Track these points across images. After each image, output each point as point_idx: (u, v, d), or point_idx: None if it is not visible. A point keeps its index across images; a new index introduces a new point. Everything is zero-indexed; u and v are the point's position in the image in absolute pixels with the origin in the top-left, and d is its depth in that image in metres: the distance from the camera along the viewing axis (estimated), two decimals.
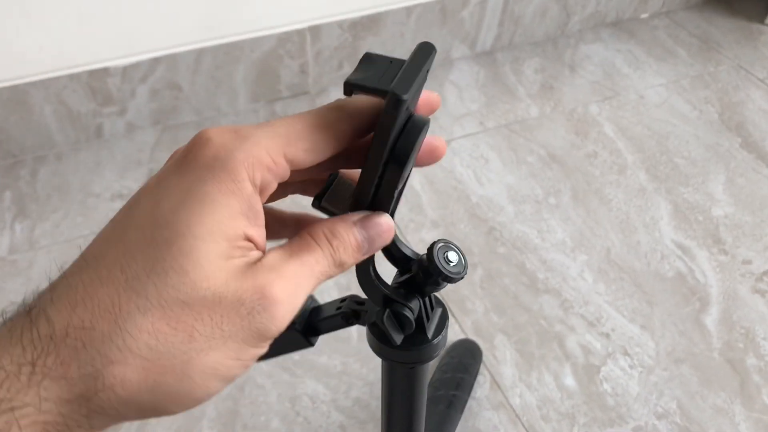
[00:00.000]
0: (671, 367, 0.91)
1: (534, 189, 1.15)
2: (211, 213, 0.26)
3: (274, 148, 0.28)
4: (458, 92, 1.35)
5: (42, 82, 1.12)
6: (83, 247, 0.28)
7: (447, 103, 1.32)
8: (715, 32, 1.53)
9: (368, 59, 0.34)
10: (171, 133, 1.24)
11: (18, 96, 1.12)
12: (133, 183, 1.15)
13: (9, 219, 1.09)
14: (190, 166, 0.27)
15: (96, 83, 1.16)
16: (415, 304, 0.41)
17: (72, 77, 1.13)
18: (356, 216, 0.33)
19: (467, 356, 0.87)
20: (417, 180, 1.15)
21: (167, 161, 0.30)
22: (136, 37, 1.15)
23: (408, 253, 0.42)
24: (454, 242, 0.41)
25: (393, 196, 0.36)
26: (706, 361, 0.91)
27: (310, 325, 0.46)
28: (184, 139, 1.21)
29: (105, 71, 1.15)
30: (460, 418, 0.81)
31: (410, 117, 0.35)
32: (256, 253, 0.28)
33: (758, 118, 1.29)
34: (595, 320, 0.96)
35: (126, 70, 1.16)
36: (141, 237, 0.26)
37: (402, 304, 0.41)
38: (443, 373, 0.83)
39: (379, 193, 0.36)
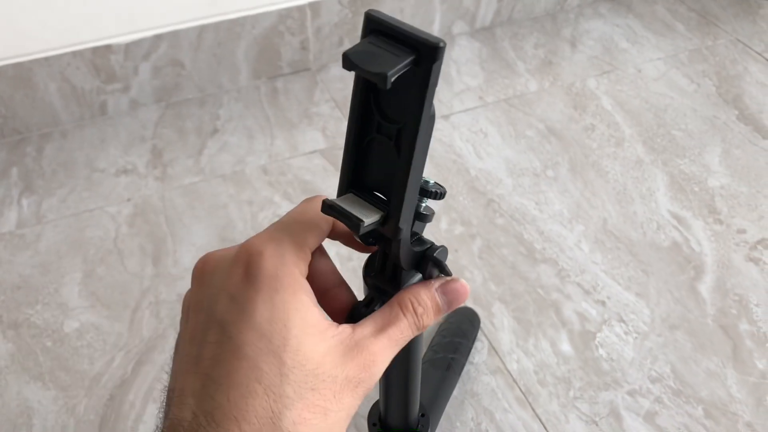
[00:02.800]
0: (666, 333, 0.93)
1: (532, 162, 1.16)
2: (296, 314, 0.33)
3: (299, 244, 0.36)
4: (458, 68, 1.36)
5: (46, 59, 1.14)
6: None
7: (447, 78, 1.33)
8: (713, 6, 1.54)
9: (372, 21, 0.34)
10: (174, 110, 1.26)
11: (22, 73, 1.14)
12: (137, 159, 1.17)
13: (16, 195, 1.11)
14: (258, 281, 0.33)
15: (99, 60, 1.17)
16: (428, 242, 0.43)
17: (75, 54, 1.15)
18: (437, 283, 0.40)
19: (465, 322, 0.89)
20: None
21: (212, 272, 0.36)
22: (139, 14, 1.16)
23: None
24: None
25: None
26: (699, 327, 0.93)
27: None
28: (187, 115, 1.24)
29: (108, 48, 1.17)
30: (457, 380, 0.84)
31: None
32: (343, 328, 0.35)
33: (755, 90, 1.31)
34: (591, 288, 0.98)
35: (129, 47, 1.18)
36: (257, 350, 0.32)
37: (430, 246, 0.42)
38: (442, 337, 0.85)
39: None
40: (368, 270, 0.44)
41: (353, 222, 0.36)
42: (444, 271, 0.43)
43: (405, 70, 0.32)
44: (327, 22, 1.29)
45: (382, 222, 0.37)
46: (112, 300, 0.96)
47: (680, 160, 1.17)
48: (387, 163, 0.37)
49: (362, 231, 0.36)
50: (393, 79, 0.32)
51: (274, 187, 1.12)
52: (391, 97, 0.35)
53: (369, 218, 0.37)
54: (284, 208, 1.08)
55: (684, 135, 1.21)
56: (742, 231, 1.06)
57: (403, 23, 0.33)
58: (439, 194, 0.41)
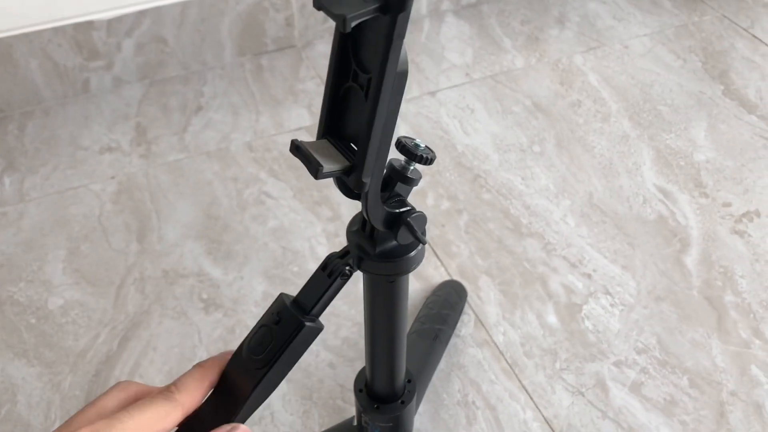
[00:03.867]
0: (651, 304, 0.93)
1: (519, 138, 1.16)
2: None
3: None
4: (444, 44, 1.35)
5: (26, 35, 1.12)
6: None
7: (434, 56, 1.32)
8: None
9: None
10: (158, 87, 1.25)
11: (2, 50, 1.12)
12: (121, 136, 1.16)
13: None
14: None
15: (81, 37, 1.16)
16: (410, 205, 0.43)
17: (56, 30, 1.13)
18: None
19: (453, 295, 0.89)
20: (403, 130, 1.16)
21: None
22: None
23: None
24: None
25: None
26: (685, 299, 0.94)
27: (311, 314, 0.44)
28: (171, 93, 1.23)
29: (90, 24, 1.15)
30: (444, 350, 0.84)
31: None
32: None
33: (741, 66, 1.31)
34: (577, 261, 0.98)
35: (111, 24, 1.16)
36: None
37: (408, 209, 0.42)
38: (429, 309, 0.85)
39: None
40: (351, 225, 0.44)
41: (312, 166, 0.36)
42: (417, 237, 0.42)
43: (369, 16, 0.32)
44: None
45: (347, 172, 0.37)
46: (97, 277, 0.96)
47: (666, 134, 1.17)
48: (360, 114, 0.37)
49: (320, 176, 0.36)
50: (353, 24, 0.31)
51: (259, 164, 1.11)
52: (366, 46, 0.35)
53: (330, 165, 0.36)
54: (270, 184, 1.08)
55: (670, 110, 1.22)
56: (727, 204, 1.06)
57: None
58: (426, 159, 0.41)
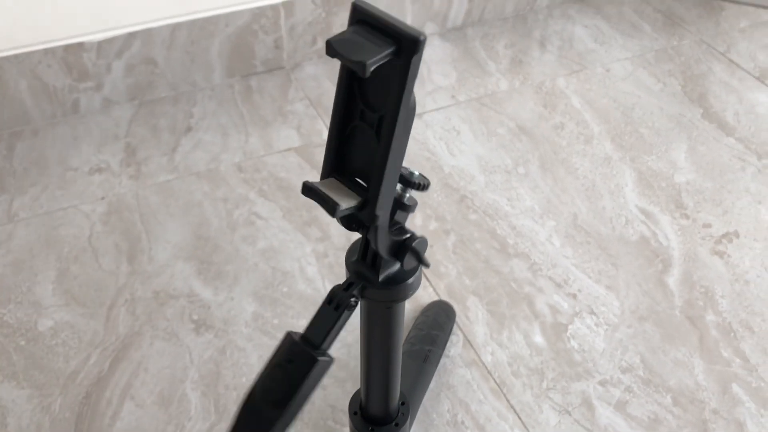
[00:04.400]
0: (635, 324, 0.95)
1: (504, 159, 1.18)
2: None
3: None
4: (430, 67, 1.38)
5: (16, 56, 1.13)
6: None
7: (420, 78, 1.34)
8: (678, 8, 1.58)
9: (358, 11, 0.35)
10: (147, 108, 1.26)
11: None
12: (111, 157, 1.16)
13: None
14: None
15: (71, 58, 1.17)
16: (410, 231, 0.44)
17: (47, 52, 1.14)
18: None
19: (441, 315, 0.90)
20: None
21: None
22: (112, 12, 1.16)
23: None
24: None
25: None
26: (667, 319, 0.96)
27: (318, 349, 0.45)
28: (160, 113, 1.24)
29: (80, 46, 1.16)
30: (434, 371, 0.85)
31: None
32: None
33: (719, 89, 1.34)
34: (562, 282, 1.00)
35: (101, 45, 1.17)
36: None
37: (411, 236, 0.43)
38: (419, 330, 0.86)
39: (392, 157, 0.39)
40: (350, 255, 0.46)
41: (329, 205, 0.37)
42: (422, 261, 0.44)
43: (385, 60, 0.33)
44: (301, 21, 1.30)
45: (360, 207, 0.39)
46: (87, 298, 0.96)
47: (647, 156, 1.20)
48: (368, 151, 0.38)
49: (338, 215, 0.37)
50: (372, 69, 0.33)
51: (249, 185, 1.12)
52: (374, 86, 0.37)
53: (346, 203, 0.38)
54: (259, 205, 1.09)
55: (651, 132, 1.25)
56: (707, 225, 1.09)
57: (388, 15, 0.34)
58: (422, 185, 0.42)
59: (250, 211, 1.08)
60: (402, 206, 0.44)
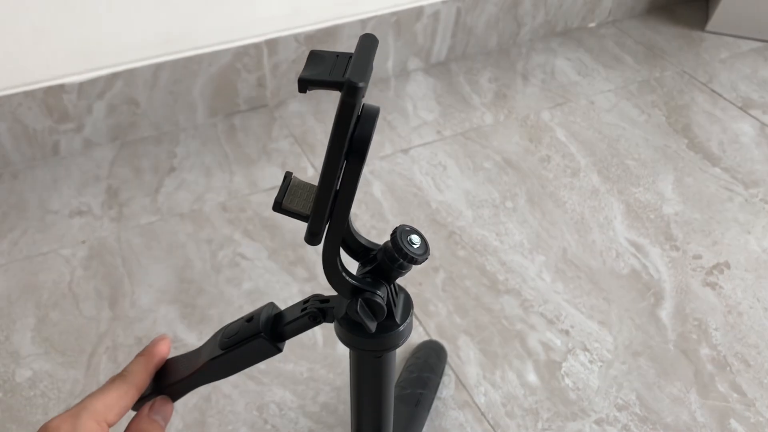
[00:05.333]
0: (629, 360, 0.94)
1: (491, 194, 1.17)
2: None
3: (100, 417, 0.43)
4: (415, 103, 1.37)
5: None
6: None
7: (405, 114, 1.34)
8: (659, 39, 1.59)
9: (315, 56, 0.36)
10: (130, 148, 1.24)
11: None
12: (92, 199, 1.14)
13: None
14: None
15: (52, 100, 1.15)
16: (383, 291, 0.43)
17: (27, 94, 1.13)
18: (147, 407, 0.48)
19: (432, 356, 0.88)
20: (378, 188, 1.17)
21: None
22: (93, 53, 1.15)
23: (366, 243, 0.44)
24: (414, 226, 0.43)
25: (355, 190, 0.38)
26: (662, 353, 0.95)
27: (275, 331, 0.47)
28: (143, 154, 1.22)
29: (61, 88, 1.15)
30: (427, 416, 0.83)
31: (362, 107, 0.37)
32: None
33: (702, 120, 1.35)
34: (554, 318, 0.98)
35: (83, 86, 1.16)
36: None
37: (372, 291, 0.42)
38: (410, 372, 0.84)
39: (343, 188, 0.38)
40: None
41: (275, 198, 0.40)
42: (362, 321, 0.43)
43: (326, 87, 0.34)
44: (284, 59, 1.30)
45: (305, 218, 0.40)
46: (67, 346, 0.93)
47: (635, 188, 1.19)
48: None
49: (274, 208, 0.40)
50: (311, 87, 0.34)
51: (234, 225, 1.10)
52: None
53: (294, 205, 0.40)
54: (244, 245, 1.07)
55: (637, 164, 1.24)
56: (698, 257, 1.08)
57: (341, 54, 0.35)
58: (412, 259, 0.42)
59: (234, 251, 1.06)
60: (385, 263, 0.42)
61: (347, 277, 0.42)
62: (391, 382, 0.50)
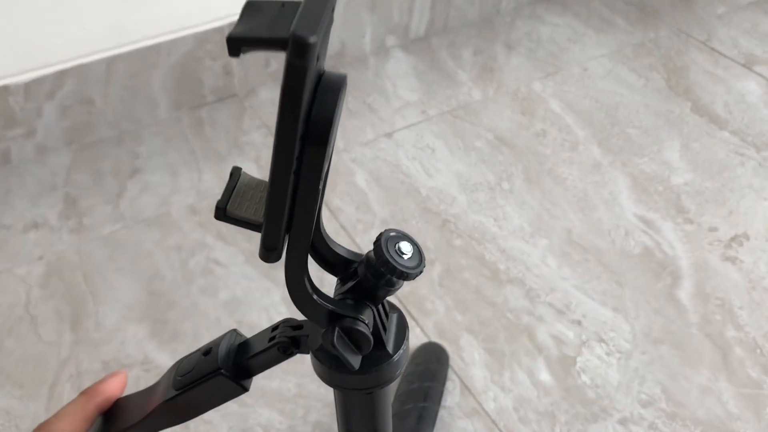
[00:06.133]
0: (650, 349, 0.85)
1: (485, 175, 1.08)
2: None
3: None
4: (395, 82, 1.27)
5: None
6: None
7: (385, 94, 1.24)
8: None
9: (252, 7, 0.26)
10: (88, 151, 1.13)
11: None
12: (48, 210, 1.04)
13: None
14: None
15: None
16: (367, 314, 0.33)
17: None
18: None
19: (433, 362, 0.79)
20: (361, 177, 1.07)
21: None
22: (38, 49, 1.04)
23: (343, 253, 0.34)
24: (404, 231, 0.34)
25: (318, 186, 0.28)
26: (685, 339, 0.86)
27: (238, 366, 0.38)
28: (102, 156, 1.11)
29: (5, 90, 1.04)
30: (432, 430, 0.74)
31: (321, 75, 0.27)
32: None
33: (705, 80, 1.25)
34: (564, 307, 0.89)
35: (29, 87, 1.05)
36: None
37: (353, 317, 0.33)
38: (409, 383, 0.75)
39: (300, 186, 0.28)
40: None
41: (217, 202, 0.33)
42: (339, 354, 0.34)
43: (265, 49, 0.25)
44: None
45: (258, 227, 0.32)
46: (25, 377, 0.83)
47: (639, 159, 1.10)
48: None
49: (217, 215, 0.32)
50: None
51: (205, 228, 1.00)
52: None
53: (240, 212, 0.32)
54: (218, 250, 0.97)
55: (640, 132, 1.15)
56: (713, 229, 0.99)
57: (287, 3, 0.25)
58: (400, 273, 0.32)
59: (207, 257, 0.96)
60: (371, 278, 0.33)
61: (320, 300, 0.33)
62: (386, 417, 0.41)
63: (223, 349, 0.39)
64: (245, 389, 0.39)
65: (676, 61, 1.30)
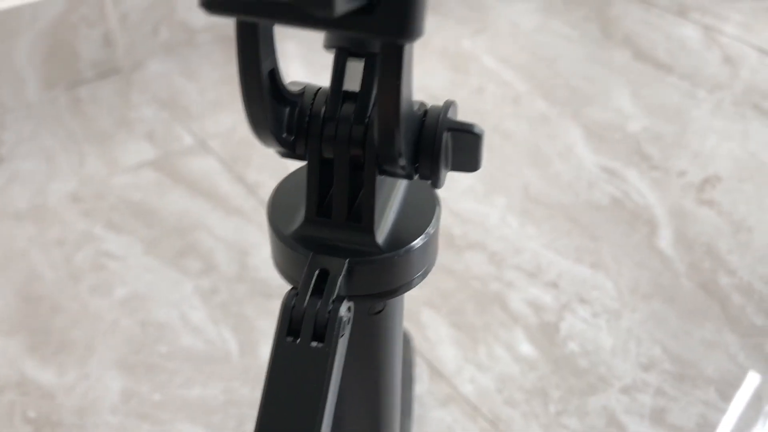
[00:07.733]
0: (640, 306, 0.73)
1: None
2: None
3: None
4: (300, 58, 1.12)
5: None
6: None
7: (285, 71, 1.09)
8: None
9: None
10: None
11: None
12: None
13: None
14: None
15: None
16: None
17: None
18: None
19: None
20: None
21: None
22: None
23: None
24: None
25: None
26: (676, 291, 0.74)
27: None
28: None
29: None
30: (411, 423, 0.58)
31: None
32: None
33: (642, 29, 1.17)
34: (535, 269, 0.76)
35: None
36: None
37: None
38: None
39: None
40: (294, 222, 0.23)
41: None
42: (476, 157, 0.27)
43: None
44: (135, 7, 1.01)
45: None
46: None
47: (589, 108, 1.00)
48: None
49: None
50: None
51: (91, 217, 0.81)
52: None
53: None
54: (110, 241, 0.78)
55: (585, 82, 1.05)
56: (682, 173, 0.89)
57: None
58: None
59: (97, 251, 0.77)
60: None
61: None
62: (396, 351, 0.26)
63: None
64: None
65: (609, 12, 1.22)
